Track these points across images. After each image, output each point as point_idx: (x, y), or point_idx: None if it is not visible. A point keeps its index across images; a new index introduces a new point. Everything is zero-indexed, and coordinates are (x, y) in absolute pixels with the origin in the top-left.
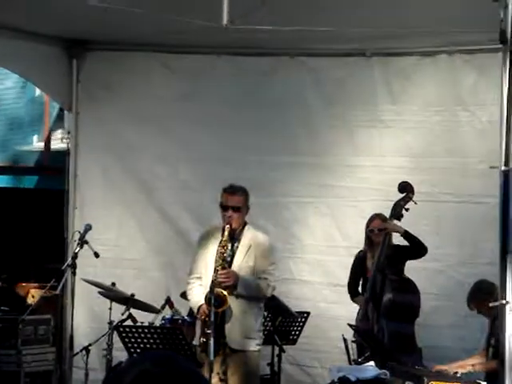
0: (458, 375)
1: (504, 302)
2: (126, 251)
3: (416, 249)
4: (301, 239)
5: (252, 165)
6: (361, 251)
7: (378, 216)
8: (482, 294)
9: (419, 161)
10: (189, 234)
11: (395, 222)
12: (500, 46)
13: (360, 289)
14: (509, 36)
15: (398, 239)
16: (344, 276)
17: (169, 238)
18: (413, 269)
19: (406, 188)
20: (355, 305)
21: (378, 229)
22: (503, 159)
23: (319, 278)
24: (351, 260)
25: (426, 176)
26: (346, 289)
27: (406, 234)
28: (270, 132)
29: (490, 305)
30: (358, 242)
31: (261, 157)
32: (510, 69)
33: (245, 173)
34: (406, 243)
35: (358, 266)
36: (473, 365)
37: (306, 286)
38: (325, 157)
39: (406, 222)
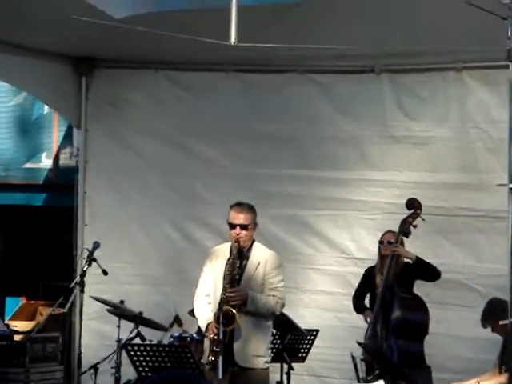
0: None
1: None
2: (138, 267)
3: (429, 273)
4: (321, 251)
5: (264, 178)
6: (370, 267)
7: (391, 231)
8: (495, 312)
9: (431, 175)
10: (204, 249)
11: (403, 238)
12: (508, 63)
13: (368, 304)
14: None
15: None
16: None
17: (182, 254)
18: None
19: (413, 204)
20: None
21: (388, 241)
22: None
23: (340, 289)
24: None
25: (438, 191)
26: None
27: (418, 260)
28: (281, 146)
29: (501, 323)
30: (375, 254)
31: (273, 170)
32: None
33: (258, 186)
34: None
35: (367, 282)
36: (478, 382)
37: (327, 297)
38: (337, 171)
39: (419, 236)
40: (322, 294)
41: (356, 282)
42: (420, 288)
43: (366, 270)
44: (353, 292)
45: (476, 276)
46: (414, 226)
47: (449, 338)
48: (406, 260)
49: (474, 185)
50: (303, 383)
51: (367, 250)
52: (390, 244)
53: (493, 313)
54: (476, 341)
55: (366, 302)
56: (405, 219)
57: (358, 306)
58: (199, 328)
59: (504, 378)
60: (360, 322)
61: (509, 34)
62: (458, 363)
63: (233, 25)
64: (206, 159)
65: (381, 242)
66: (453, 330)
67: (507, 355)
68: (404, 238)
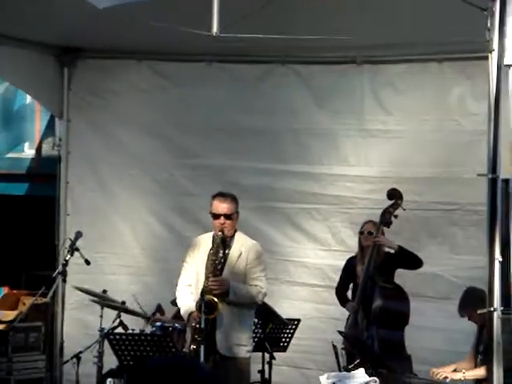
0: (448, 381)
1: (492, 309)
2: (120, 257)
3: (411, 262)
4: (299, 243)
5: (244, 171)
6: (351, 257)
7: (370, 221)
8: (472, 301)
9: (402, 170)
10: (185, 239)
11: (384, 228)
12: (487, 54)
13: (350, 294)
14: (495, 45)
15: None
16: None
17: (164, 244)
18: (409, 272)
19: (394, 195)
20: None
21: (368, 231)
22: (491, 167)
23: (318, 281)
24: None
25: (409, 185)
26: None
27: (400, 250)
28: (259, 139)
29: (479, 312)
30: (352, 246)
31: (252, 163)
32: (496, 77)
33: (238, 179)
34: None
35: (348, 272)
36: (463, 372)
37: (306, 289)
38: (311, 166)
39: (395, 230)
40: (301, 285)
41: (334, 275)
42: (396, 280)
43: (346, 260)
44: (331, 284)
45: (452, 268)
46: (395, 216)
47: (425, 330)
48: (387, 250)
49: (447, 178)
50: (283, 374)
51: (344, 242)
52: (371, 234)
53: (470, 302)
54: (451, 333)
55: (349, 293)
56: (386, 209)
57: (341, 299)
58: (175, 316)
59: (483, 370)
60: (338, 314)
61: (488, 25)
62: (434, 355)
63: (215, 15)
64: (186, 150)
65: (361, 233)
66: (429, 322)
67: (484, 345)
68: (385, 228)
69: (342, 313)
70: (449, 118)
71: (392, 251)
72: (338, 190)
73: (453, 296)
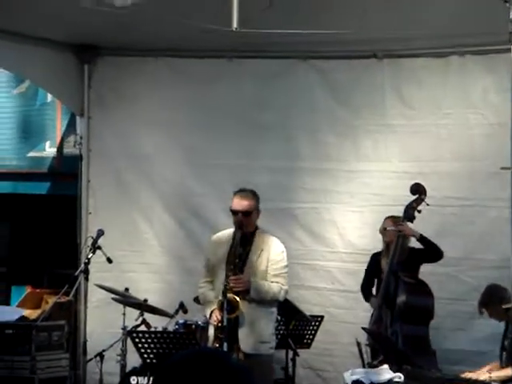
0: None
1: None
2: (142, 256)
3: (432, 253)
4: (306, 245)
5: (257, 170)
6: (375, 253)
7: (390, 217)
8: (494, 298)
9: (423, 165)
10: (199, 238)
11: (408, 224)
12: (509, 46)
13: (375, 289)
14: None
15: (414, 242)
16: (349, 282)
17: (182, 243)
18: (421, 274)
19: (418, 190)
20: (364, 311)
21: (389, 228)
22: None
23: (327, 284)
24: (354, 266)
25: (430, 181)
26: (353, 295)
27: (422, 238)
28: (275, 136)
29: (503, 307)
30: (361, 248)
31: (266, 162)
32: None
33: (251, 178)
34: (421, 246)
35: (373, 267)
36: (490, 373)
37: (314, 292)
38: (327, 162)
39: (414, 227)
40: (309, 289)
41: (343, 278)
42: None
43: (371, 256)
44: (339, 287)
45: (467, 268)
46: (419, 211)
47: (445, 332)
48: (411, 245)
49: (466, 174)
50: (298, 375)
51: (353, 244)
52: (392, 231)
53: (491, 298)
54: (471, 333)
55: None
56: (409, 204)
57: (366, 295)
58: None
59: (510, 371)
60: (347, 317)
61: (510, 17)
62: (454, 354)
63: (234, 11)
64: (203, 148)
65: (384, 229)
66: (444, 323)
67: (509, 341)
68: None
69: (355, 315)
70: (472, 112)
71: (415, 239)
72: (353, 187)
73: (467, 297)
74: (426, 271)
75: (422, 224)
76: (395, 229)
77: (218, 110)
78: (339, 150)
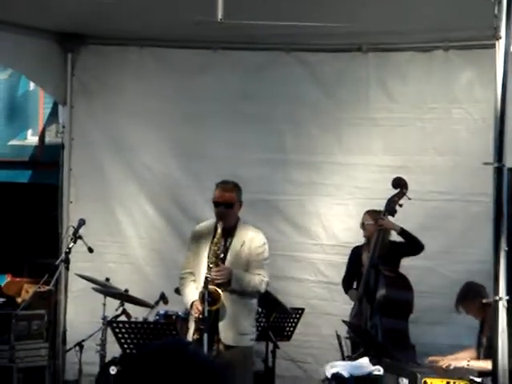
0: (451, 367)
1: (497, 298)
2: (122, 246)
3: (412, 246)
4: (289, 237)
5: (242, 162)
6: (357, 246)
7: (369, 211)
8: (470, 295)
9: (407, 159)
10: (182, 230)
11: (389, 217)
12: (494, 42)
13: (356, 283)
14: (503, 32)
15: (395, 235)
16: (332, 274)
17: (163, 234)
18: (402, 267)
19: (399, 184)
20: (345, 303)
21: (367, 223)
22: (497, 155)
23: (309, 276)
24: (338, 258)
25: (413, 175)
26: (336, 287)
27: (402, 232)
28: (259, 128)
29: (484, 301)
30: (345, 241)
31: (250, 154)
32: (503, 65)
33: (235, 170)
34: (402, 240)
35: (354, 261)
36: (468, 361)
37: (296, 284)
38: (312, 155)
39: (396, 220)
40: (292, 280)
41: (326, 270)
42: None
43: (352, 249)
44: (322, 279)
45: (447, 262)
46: (400, 205)
47: (424, 326)
48: (391, 238)
49: (449, 168)
50: (280, 367)
51: (337, 237)
52: (371, 225)
53: (468, 296)
54: (450, 327)
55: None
56: (391, 198)
57: (347, 289)
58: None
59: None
60: (329, 309)
61: (495, 12)
62: (434, 349)
63: (220, 1)
64: (186, 139)
65: (362, 225)
66: (423, 317)
67: (486, 338)
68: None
69: (336, 308)
70: (456, 106)
71: (396, 232)
72: (338, 180)
73: (447, 291)
74: (407, 265)
75: (404, 218)
76: (374, 224)
77: (203, 101)
78: (324, 143)
